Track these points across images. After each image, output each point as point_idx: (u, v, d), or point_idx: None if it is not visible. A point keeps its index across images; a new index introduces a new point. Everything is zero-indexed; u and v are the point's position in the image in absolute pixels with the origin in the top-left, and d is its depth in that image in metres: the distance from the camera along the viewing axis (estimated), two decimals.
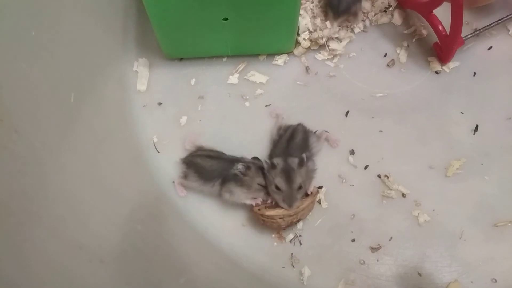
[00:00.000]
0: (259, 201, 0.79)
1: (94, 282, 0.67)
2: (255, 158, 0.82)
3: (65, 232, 0.67)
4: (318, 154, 0.86)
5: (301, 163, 0.76)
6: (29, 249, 0.62)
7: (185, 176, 0.83)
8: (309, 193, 0.79)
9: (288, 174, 0.75)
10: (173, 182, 0.85)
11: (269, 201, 0.79)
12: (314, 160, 0.83)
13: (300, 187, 0.76)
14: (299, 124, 0.85)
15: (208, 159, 0.82)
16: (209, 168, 0.81)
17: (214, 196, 0.82)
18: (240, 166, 0.77)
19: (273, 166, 0.77)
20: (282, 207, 0.76)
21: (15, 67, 0.67)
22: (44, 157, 0.69)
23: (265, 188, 0.78)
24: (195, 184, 0.82)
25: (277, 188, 0.76)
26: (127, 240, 0.75)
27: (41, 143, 0.69)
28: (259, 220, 0.78)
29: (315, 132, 0.86)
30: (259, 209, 0.78)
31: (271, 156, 0.83)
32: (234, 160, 0.80)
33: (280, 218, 0.76)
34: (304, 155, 0.77)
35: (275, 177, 0.76)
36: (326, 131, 0.87)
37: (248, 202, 0.80)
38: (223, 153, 0.84)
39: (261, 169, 0.79)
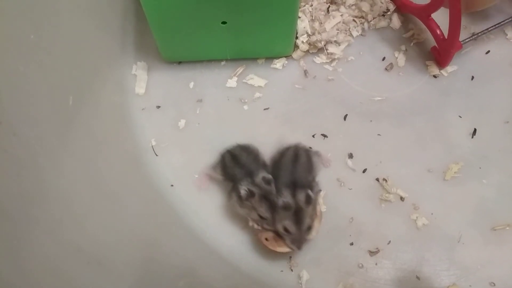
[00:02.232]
0: (255, 224, 0.78)
1: (92, 284, 0.67)
2: (266, 180, 0.77)
3: (63, 235, 0.67)
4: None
5: (308, 201, 0.74)
6: (27, 251, 0.61)
7: (214, 168, 0.83)
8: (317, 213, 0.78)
9: (297, 216, 0.73)
10: (171, 185, 0.85)
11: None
12: (318, 181, 0.82)
13: (309, 228, 0.75)
14: (298, 144, 0.84)
15: (232, 160, 0.81)
16: (230, 169, 0.81)
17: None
18: (242, 192, 0.75)
19: (286, 207, 0.73)
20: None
21: (14, 70, 0.67)
22: (43, 160, 0.69)
23: (266, 219, 0.76)
24: (219, 178, 0.83)
25: (286, 230, 0.74)
26: (125, 242, 0.75)
27: (40, 146, 0.69)
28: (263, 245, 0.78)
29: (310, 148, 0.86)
30: (266, 239, 0.76)
31: (274, 177, 0.78)
32: (248, 173, 0.78)
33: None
34: (309, 192, 0.75)
35: (285, 219, 0.74)
36: (317, 151, 0.86)
37: (250, 220, 0.79)
38: (253, 154, 0.82)
39: (265, 197, 0.75)
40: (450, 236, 0.81)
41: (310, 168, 0.81)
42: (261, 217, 0.76)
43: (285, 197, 0.75)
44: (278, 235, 0.77)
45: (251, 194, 0.75)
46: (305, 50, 0.93)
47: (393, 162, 0.86)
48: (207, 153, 0.87)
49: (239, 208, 0.78)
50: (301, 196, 0.74)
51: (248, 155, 0.82)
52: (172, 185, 0.85)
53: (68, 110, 0.77)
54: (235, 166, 0.80)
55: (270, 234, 0.77)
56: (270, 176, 0.77)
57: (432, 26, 0.89)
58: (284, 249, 0.76)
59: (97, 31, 0.88)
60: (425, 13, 0.89)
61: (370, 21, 0.97)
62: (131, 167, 0.86)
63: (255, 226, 0.78)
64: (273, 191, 0.76)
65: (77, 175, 0.74)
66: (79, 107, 0.79)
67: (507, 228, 0.81)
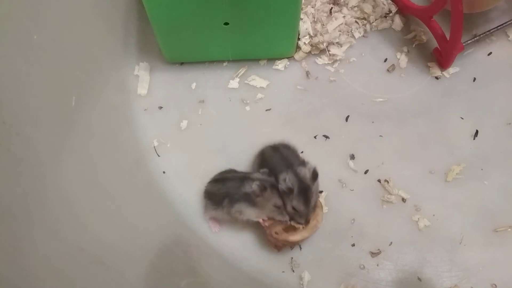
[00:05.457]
0: (264, 218, 0.77)
1: (94, 284, 0.67)
2: (266, 172, 0.77)
3: (65, 234, 0.67)
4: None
5: (315, 177, 0.74)
6: (28, 251, 0.62)
7: (205, 208, 0.81)
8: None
9: (305, 195, 0.73)
10: (173, 186, 0.85)
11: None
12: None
13: (314, 206, 0.75)
14: (265, 146, 0.82)
15: (215, 184, 0.80)
16: (217, 192, 0.79)
17: (231, 221, 0.80)
18: (254, 186, 0.73)
19: (290, 190, 0.73)
20: (297, 227, 0.75)
21: (17, 70, 0.67)
22: (45, 160, 0.69)
23: (281, 208, 0.75)
24: (214, 212, 0.80)
25: (294, 208, 0.74)
26: (127, 242, 0.75)
27: (42, 146, 0.69)
28: (272, 243, 0.78)
29: None
30: (276, 233, 0.76)
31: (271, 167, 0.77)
32: (243, 178, 0.77)
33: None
34: (311, 167, 0.75)
35: (293, 199, 0.73)
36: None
37: (258, 219, 0.78)
38: (233, 171, 0.81)
39: (275, 187, 0.75)
40: (452, 237, 0.81)
41: (294, 151, 0.81)
42: (277, 207, 0.75)
43: (285, 180, 0.74)
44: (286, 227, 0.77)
45: (263, 188, 0.73)
46: (307, 51, 0.94)
47: (395, 164, 0.86)
48: (209, 153, 0.87)
49: (251, 209, 0.76)
50: (305, 172, 0.74)
51: (230, 172, 0.81)
52: (174, 186, 0.85)
53: (71, 110, 0.77)
54: (224, 184, 0.78)
55: (278, 228, 0.76)
56: (266, 169, 0.77)
57: (434, 28, 0.89)
58: (296, 237, 0.76)
59: (100, 32, 0.89)
60: (427, 15, 0.89)
61: (372, 22, 0.97)
62: (133, 168, 0.86)
63: (266, 223, 0.77)
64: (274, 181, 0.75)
65: (79, 175, 0.74)
66: (81, 107, 0.79)
67: (509, 229, 0.81)
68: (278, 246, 0.78)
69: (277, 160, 0.79)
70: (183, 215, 0.83)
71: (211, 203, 0.80)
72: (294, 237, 0.76)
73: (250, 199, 0.75)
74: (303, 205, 0.74)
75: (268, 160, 0.80)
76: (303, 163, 0.77)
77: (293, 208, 0.74)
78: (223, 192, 0.78)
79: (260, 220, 0.77)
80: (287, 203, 0.74)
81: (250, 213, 0.77)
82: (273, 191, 0.74)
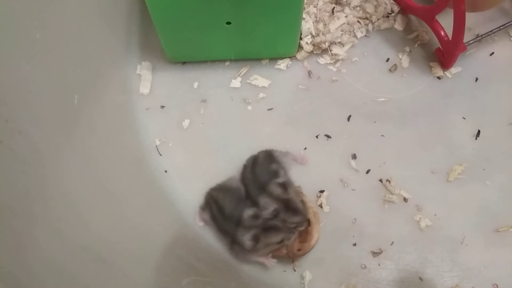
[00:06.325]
0: (272, 262, 0.78)
1: (96, 282, 0.67)
2: (252, 216, 0.76)
3: (67, 233, 0.67)
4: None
5: (283, 186, 0.75)
6: (31, 249, 0.62)
7: (203, 209, 0.82)
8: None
9: (290, 207, 0.75)
10: (175, 185, 0.85)
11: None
12: (286, 169, 0.81)
13: (303, 203, 0.76)
14: (259, 152, 0.83)
15: (219, 213, 0.78)
16: (220, 221, 0.78)
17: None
18: (248, 244, 0.74)
19: (275, 215, 0.74)
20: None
21: (19, 69, 0.67)
22: (48, 158, 0.69)
23: (283, 240, 0.75)
24: (210, 224, 0.81)
25: (293, 223, 0.75)
26: (129, 240, 0.75)
27: (45, 145, 0.69)
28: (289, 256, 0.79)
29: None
30: (299, 250, 0.77)
31: (248, 194, 0.79)
32: (237, 222, 0.76)
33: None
34: (279, 180, 0.76)
35: (288, 219, 0.74)
36: (286, 151, 0.85)
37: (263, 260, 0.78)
38: (236, 193, 0.80)
39: (268, 225, 0.75)
40: (453, 237, 0.81)
41: (271, 161, 0.81)
42: (279, 242, 0.75)
43: (265, 205, 0.75)
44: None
45: (256, 239, 0.74)
46: (309, 51, 0.94)
47: (397, 163, 0.86)
48: (210, 153, 0.88)
49: (251, 254, 0.76)
50: (275, 189, 0.76)
51: (231, 196, 0.79)
52: (175, 185, 0.85)
53: (73, 109, 0.77)
54: (222, 218, 0.78)
55: (296, 244, 0.77)
56: (252, 211, 0.77)
57: (436, 28, 0.89)
58: (305, 249, 0.77)
59: (103, 31, 0.89)
60: (429, 15, 0.89)
61: (374, 22, 0.97)
62: (135, 166, 0.86)
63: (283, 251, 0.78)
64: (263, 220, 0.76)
65: (81, 174, 0.75)
66: (84, 106, 0.79)
67: (510, 229, 0.81)
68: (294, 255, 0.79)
69: (250, 182, 0.79)
70: (184, 213, 0.83)
71: (212, 221, 0.80)
72: (303, 250, 0.77)
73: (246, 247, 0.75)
74: (295, 216, 0.75)
75: (245, 182, 0.81)
76: (274, 174, 0.78)
77: (292, 223, 0.75)
78: (225, 228, 0.78)
79: (269, 261, 0.78)
80: (283, 220, 0.75)
81: (251, 257, 0.78)
82: (268, 232, 0.74)
